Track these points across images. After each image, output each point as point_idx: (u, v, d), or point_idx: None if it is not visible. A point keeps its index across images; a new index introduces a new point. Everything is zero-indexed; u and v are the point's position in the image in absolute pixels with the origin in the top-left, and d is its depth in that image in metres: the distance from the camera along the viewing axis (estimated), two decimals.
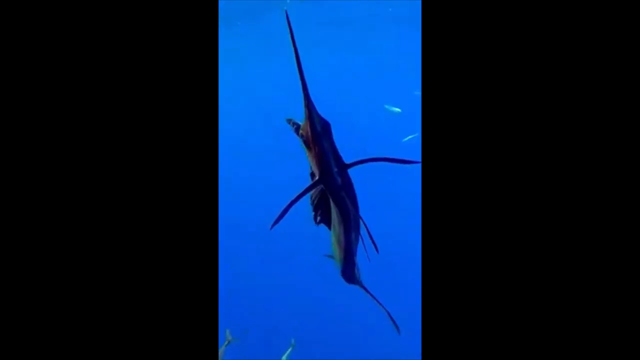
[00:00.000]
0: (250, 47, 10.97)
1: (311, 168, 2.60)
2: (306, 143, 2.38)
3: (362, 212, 2.73)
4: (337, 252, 3.09)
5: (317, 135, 2.30)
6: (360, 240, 2.88)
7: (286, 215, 2.50)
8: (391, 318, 3.22)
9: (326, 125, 2.33)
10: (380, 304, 3.28)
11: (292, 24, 2.08)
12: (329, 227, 2.95)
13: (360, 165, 2.52)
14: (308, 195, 2.73)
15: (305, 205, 2.71)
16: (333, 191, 2.57)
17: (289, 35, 2.00)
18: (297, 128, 2.46)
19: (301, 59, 2.08)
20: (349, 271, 3.24)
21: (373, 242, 2.79)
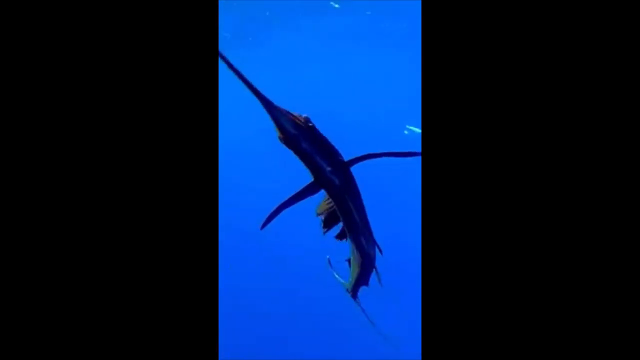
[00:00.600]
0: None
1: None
2: (289, 147, 2.25)
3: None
4: (353, 263, 2.94)
5: (292, 138, 2.15)
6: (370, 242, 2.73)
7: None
8: (384, 336, 3.21)
9: (303, 126, 2.16)
10: (372, 322, 3.21)
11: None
12: (342, 237, 2.78)
13: (359, 164, 2.40)
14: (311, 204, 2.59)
15: (307, 206, 2.65)
16: (333, 194, 2.42)
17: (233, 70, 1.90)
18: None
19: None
20: (358, 286, 3.06)
21: (377, 245, 2.69)
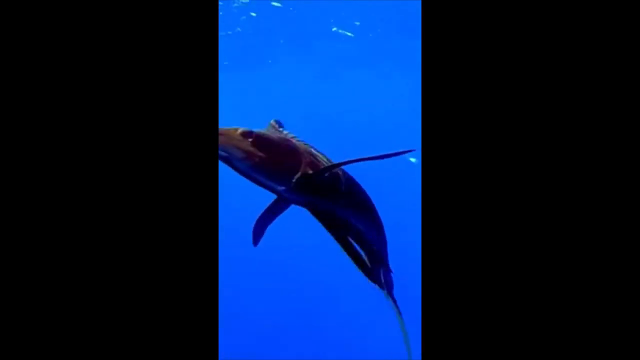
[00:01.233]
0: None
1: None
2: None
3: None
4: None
5: (223, 159, 1.84)
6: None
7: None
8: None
9: (236, 143, 1.82)
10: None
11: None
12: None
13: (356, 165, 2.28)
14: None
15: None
16: (315, 213, 2.13)
17: None
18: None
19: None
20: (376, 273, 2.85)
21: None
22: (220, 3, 8.85)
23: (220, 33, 9.53)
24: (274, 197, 2.28)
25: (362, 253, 2.79)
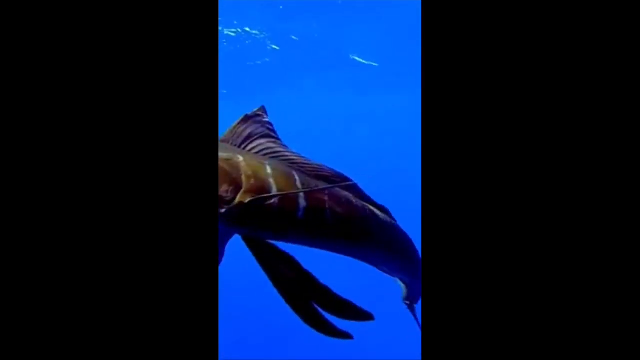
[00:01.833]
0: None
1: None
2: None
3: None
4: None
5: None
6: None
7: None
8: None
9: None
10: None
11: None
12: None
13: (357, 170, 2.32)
14: None
15: None
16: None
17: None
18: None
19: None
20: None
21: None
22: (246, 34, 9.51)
23: (249, 63, 10.63)
24: None
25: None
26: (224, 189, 1.72)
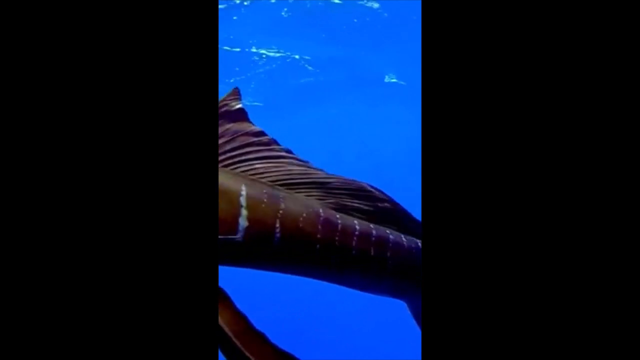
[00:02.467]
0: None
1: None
2: None
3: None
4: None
5: None
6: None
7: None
8: None
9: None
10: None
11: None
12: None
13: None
14: None
15: None
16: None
17: None
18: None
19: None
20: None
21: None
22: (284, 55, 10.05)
23: (295, 81, 11.09)
24: None
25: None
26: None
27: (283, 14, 8.71)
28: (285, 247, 1.73)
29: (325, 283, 1.94)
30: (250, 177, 1.81)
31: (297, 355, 1.50)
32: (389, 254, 1.93)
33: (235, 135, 1.87)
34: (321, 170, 2.00)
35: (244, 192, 1.71)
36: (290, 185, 1.88)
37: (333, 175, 2.00)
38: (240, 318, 1.51)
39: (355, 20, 9.13)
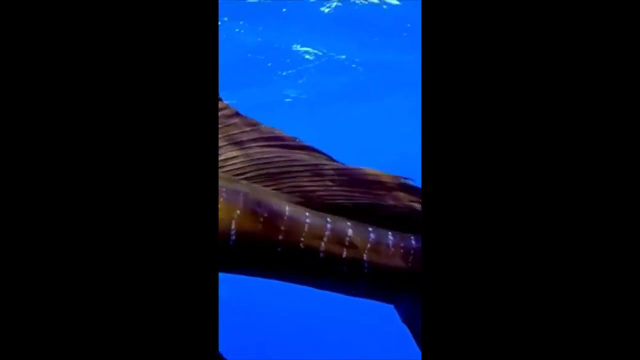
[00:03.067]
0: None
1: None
2: None
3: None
4: None
5: None
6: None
7: None
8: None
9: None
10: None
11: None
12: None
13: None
14: None
15: None
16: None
17: None
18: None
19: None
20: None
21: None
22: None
23: (341, 79, 11.46)
24: None
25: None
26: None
27: (324, 10, 8.96)
28: (240, 250, 1.64)
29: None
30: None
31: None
32: (365, 257, 1.75)
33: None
34: (312, 151, 1.82)
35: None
36: (265, 175, 1.76)
37: (326, 160, 1.82)
38: None
39: (409, 25, 9.24)
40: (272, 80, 11.52)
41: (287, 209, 1.71)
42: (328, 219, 1.75)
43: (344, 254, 1.73)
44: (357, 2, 8.60)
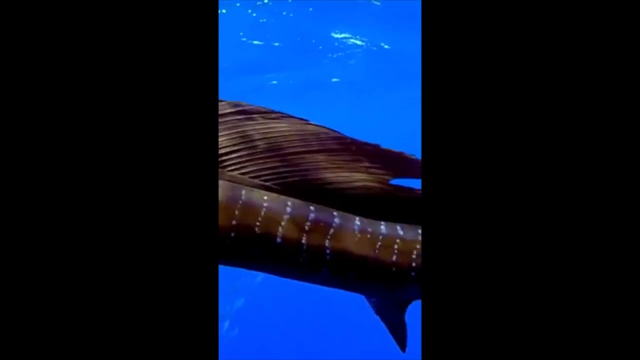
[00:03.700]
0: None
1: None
2: None
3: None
4: None
5: None
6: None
7: None
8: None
9: None
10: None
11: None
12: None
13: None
14: None
15: None
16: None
17: None
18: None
19: None
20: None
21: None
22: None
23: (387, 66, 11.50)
24: None
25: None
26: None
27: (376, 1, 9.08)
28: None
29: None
30: None
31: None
32: (327, 243, 1.69)
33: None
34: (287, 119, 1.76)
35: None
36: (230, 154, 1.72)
37: (311, 127, 1.75)
38: None
39: None
40: (321, 63, 11.72)
41: (243, 192, 1.68)
42: (289, 203, 1.70)
43: (304, 240, 1.67)
44: None
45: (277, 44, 10.49)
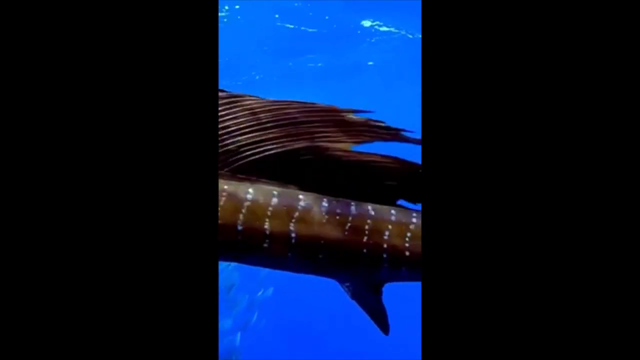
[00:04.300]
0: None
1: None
2: None
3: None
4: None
5: None
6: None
7: None
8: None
9: None
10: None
11: None
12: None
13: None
14: None
15: None
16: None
17: None
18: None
19: None
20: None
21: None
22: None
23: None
24: None
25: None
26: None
27: None
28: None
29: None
30: None
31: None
32: (292, 227, 1.65)
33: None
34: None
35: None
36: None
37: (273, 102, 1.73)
38: None
39: None
40: (358, 49, 11.84)
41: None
42: (250, 190, 1.66)
43: (266, 226, 1.64)
44: None
45: (312, 29, 10.64)
